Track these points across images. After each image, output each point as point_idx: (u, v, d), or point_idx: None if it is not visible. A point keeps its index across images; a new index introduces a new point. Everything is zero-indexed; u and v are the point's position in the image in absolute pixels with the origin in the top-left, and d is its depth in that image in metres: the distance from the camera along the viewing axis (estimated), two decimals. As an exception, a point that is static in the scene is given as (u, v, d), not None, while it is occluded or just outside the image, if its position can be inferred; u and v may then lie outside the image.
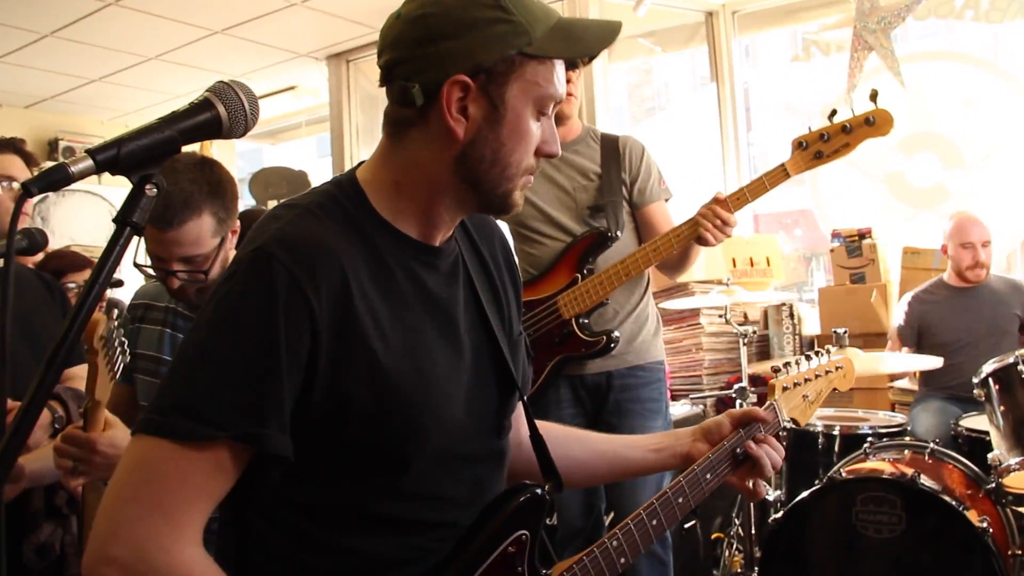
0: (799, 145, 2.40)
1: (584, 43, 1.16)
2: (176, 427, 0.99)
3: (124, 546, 0.97)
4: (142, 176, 0.92)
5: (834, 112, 2.37)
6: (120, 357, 1.53)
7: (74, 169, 0.86)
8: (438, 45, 1.07)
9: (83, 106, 6.73)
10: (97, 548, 0.98)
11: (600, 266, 2.56)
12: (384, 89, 1.14)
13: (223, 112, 0.97)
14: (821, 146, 2.38)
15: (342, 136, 6.12)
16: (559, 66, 1.14)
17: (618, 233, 2.58)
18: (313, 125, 7.42)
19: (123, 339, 1.54)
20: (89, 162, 0.87)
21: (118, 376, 1.54)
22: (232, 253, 1.85)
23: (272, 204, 6.07)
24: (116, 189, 6.53)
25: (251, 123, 1.00)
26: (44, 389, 0.87)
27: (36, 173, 2.43)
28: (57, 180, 0.85)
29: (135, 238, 0.93)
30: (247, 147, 8.66)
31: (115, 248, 0.90)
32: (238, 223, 1.89)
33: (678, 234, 2.48)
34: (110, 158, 0.89)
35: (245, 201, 7.73)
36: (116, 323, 1.51)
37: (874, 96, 2.31)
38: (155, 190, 0.92)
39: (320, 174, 7.04)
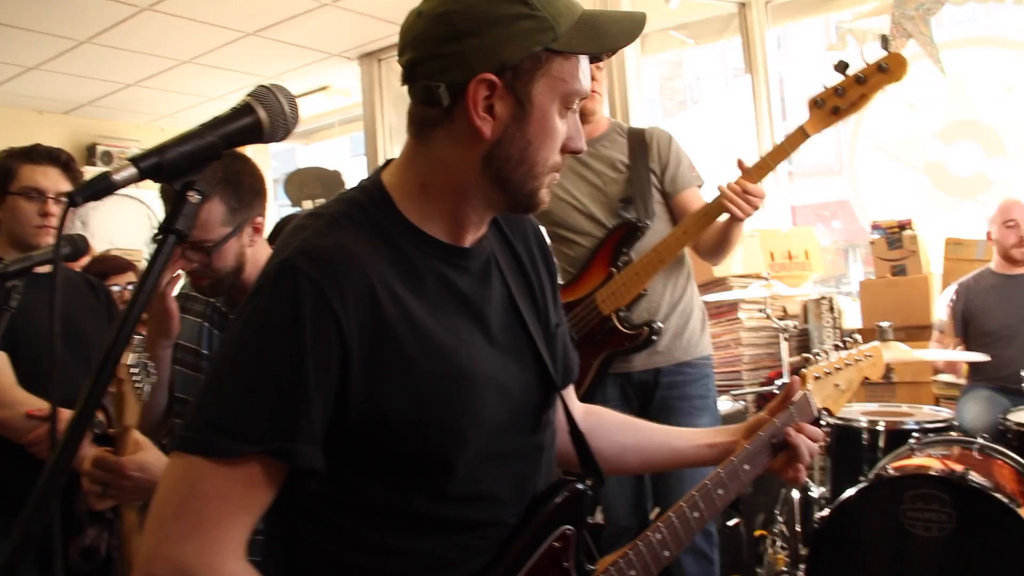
0: (815, 104, 2.33)
1: (609, 37, 1.13)
2: (208, 444, 0.99)
3: (167, 564, 0.98)
4: (185, 183, 0.91)
5: (845, 65, 2.29)
6: (146, 380, 1.56)
7: (117, 177, 0.86)
8: (462, 43, 1.05)
9: (119, 110, 6.83)
10: (142, 567, 0.99)
11: (636, 258, 2.54)
12: (407, 88, 1.13)
13: (264, 116, 0.96)
14: (837, 101, 2.31)
15: (375, 135, 6.14)
16: (584, 61, 1.12)
17: (648, 222, 2.54)
18: (346, 125, 7.45)
19: (148, 362, 1.57)
20: (132, 170, 0.87)
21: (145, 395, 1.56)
22: (251, 250, 1.84)
23: (307, 204, 6.12)
24: (155, 193, 6.61)
25: (291, 126, 0.99)
26: (95, 397, 0.87)
27: (75, 182, 2.45)
28: (101, 189, 0.85)
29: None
30: (281, 148, 8.75)
31: (160, 256, 0.89)
32: (261, 220, 1.87)
33: (705, 212, 2.44)
34: (152, 165, 0.88)
35: (279, 201, 7.79)
36: (141, 348, 1.53)
37: (884, 43, 2.24)
38: (198, 197, 0.91)
39: (354, 173, 7.09)
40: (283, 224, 3.05)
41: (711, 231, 2.49)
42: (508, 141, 1.09)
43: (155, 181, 0.90)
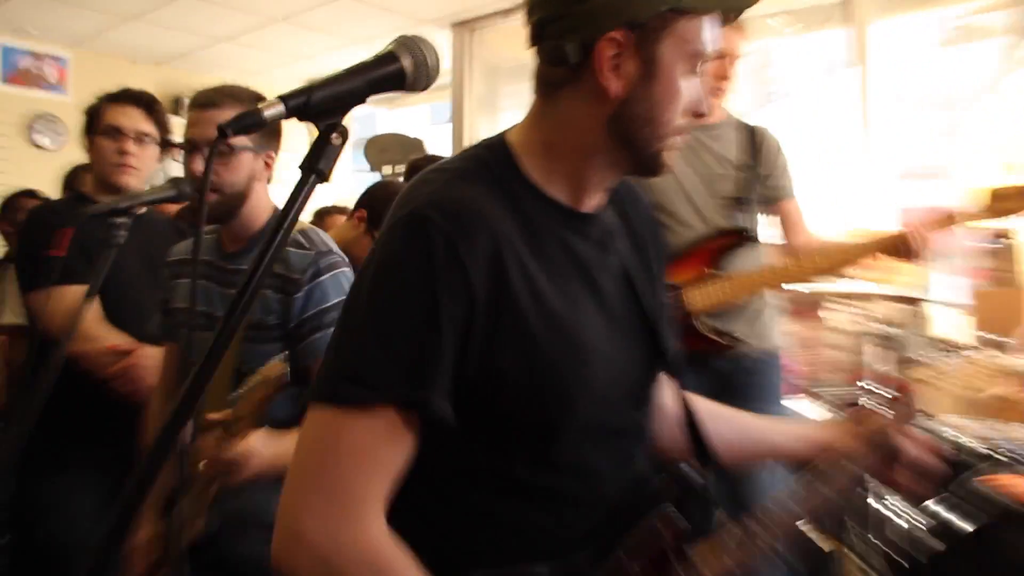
0: (996, 196, 2.36)
1: None
2: (345, 393, 1.00)
3: (310, 522, 0.99)
4: (328, 125, 0.91)
5: None
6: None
7: (267, 114, 0.86)
8: (592, 1, 1.06)
9: (209, 65, 6.94)
10: (286, 525, 1.00)
11: (727, 267, 2.51)
12: (534, 49, 1.13)
13: (408, 65, 0.96)
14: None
15: (462, 105, 6.15)
16: (708, 22, 1.11)
17: (759, 238, 2.56)
18: (431, 93, 7.44)
19: None
20: (281, 107, 0.87)
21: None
22: (258, 187, 1.92)
23: (386, 169, 6.13)
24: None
25: (433, 77, 0.98)
26: (219, 348, 0.86)
27: (159, 128, 2.49)
28: (250, 124, 0.86)
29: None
30: (362, 112, 8.74)
31: (300, 194, 0.89)
32: (274, 157, 1.96)
33: (866, 247, 2.43)
34: (300, 104, 0.88)
35: (356, 165, 7.82)
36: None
37: None
38: (340, 139, 0.91)
39: (434, 142, 7.06)
40: (374, 189, 3.04)
41: None
42: (634, 101, 1.09)
43: (299, 120, 0.90)
